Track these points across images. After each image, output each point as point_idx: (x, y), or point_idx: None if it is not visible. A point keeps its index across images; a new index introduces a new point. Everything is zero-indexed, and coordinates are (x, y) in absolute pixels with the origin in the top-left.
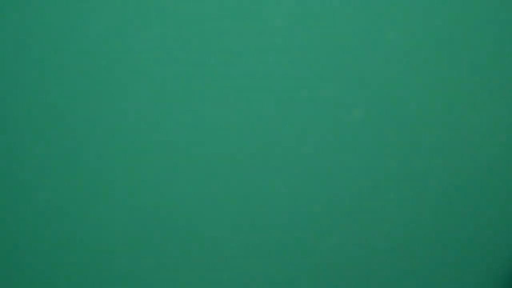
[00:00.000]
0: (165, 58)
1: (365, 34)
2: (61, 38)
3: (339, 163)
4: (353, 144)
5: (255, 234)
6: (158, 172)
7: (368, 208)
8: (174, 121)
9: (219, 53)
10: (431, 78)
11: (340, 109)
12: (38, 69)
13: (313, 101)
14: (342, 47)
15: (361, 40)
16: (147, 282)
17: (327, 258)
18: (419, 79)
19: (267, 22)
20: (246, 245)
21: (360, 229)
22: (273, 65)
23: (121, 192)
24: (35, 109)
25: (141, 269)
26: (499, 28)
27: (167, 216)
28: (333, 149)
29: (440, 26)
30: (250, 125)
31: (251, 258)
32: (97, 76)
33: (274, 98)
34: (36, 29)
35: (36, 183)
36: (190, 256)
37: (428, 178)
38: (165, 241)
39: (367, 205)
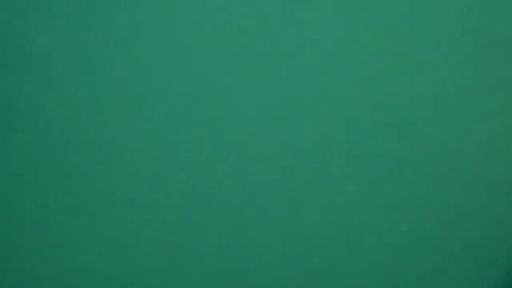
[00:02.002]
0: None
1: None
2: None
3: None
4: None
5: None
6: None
7: (367, 210)
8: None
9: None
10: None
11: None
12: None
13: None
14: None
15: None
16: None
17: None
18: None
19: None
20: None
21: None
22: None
23: (121, 195)
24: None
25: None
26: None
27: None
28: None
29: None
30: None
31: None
32: (96, 75)
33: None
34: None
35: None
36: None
37: (426, 178)
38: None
39: (363, 206)
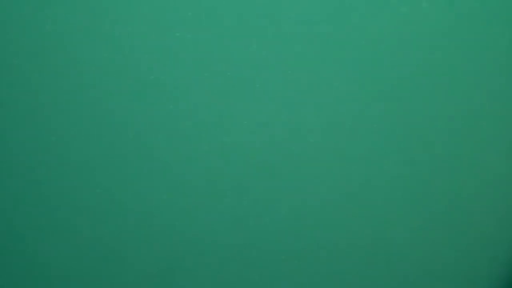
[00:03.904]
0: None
1: None
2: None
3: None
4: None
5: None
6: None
7: (366, 209)
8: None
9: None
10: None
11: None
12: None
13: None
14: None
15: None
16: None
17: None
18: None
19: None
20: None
21: (358, 228)
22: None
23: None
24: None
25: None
26: None
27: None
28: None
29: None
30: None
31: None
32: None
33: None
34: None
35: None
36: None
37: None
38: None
39: (366, 205)
